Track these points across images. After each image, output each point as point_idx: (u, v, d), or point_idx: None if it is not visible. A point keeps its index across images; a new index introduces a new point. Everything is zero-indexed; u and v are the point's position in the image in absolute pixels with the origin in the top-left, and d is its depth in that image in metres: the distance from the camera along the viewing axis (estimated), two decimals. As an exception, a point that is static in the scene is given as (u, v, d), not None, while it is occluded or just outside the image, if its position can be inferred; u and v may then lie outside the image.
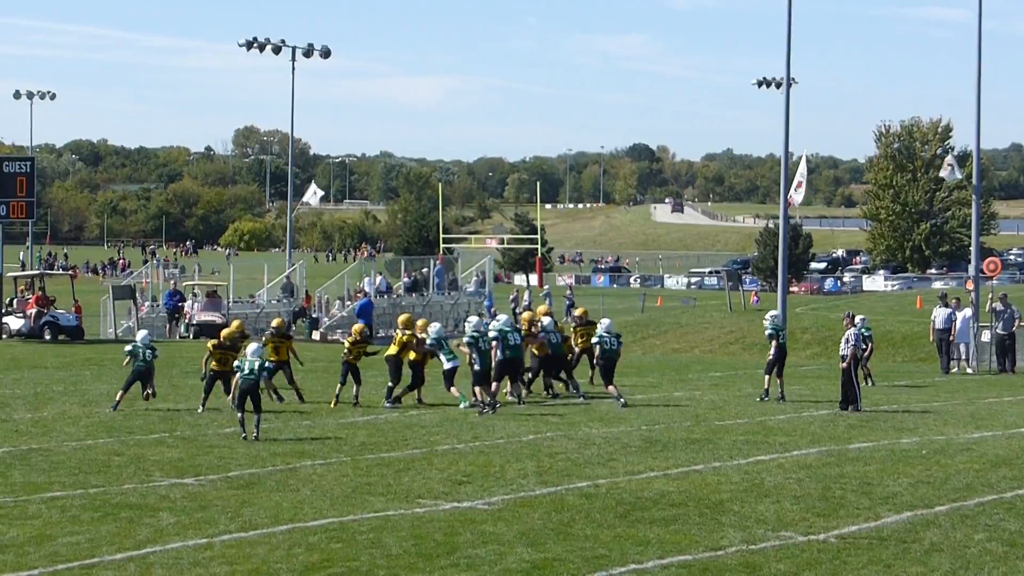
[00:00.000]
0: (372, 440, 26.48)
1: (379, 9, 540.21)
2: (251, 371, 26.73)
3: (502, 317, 33.56)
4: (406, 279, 71.04)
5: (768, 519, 18.83)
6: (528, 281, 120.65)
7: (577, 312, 37.66)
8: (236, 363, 27.86)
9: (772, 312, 32.21)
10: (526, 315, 35.74)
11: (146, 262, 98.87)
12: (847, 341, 32.12)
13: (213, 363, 30.84)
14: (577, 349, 35.66)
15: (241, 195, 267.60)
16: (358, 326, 34.05)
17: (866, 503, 19.96)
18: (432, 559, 16.17)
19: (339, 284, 71.07)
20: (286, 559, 16.19)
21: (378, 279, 70.26)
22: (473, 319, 33.46)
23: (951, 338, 45.59)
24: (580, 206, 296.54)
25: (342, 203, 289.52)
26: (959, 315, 45.74)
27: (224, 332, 31.92)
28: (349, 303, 65.72)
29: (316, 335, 61.56)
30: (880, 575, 15.84)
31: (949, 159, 62.05)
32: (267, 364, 29.59)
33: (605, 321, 34.52)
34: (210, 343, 31.47)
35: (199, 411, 30.69)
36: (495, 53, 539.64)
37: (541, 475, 22.19)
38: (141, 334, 32.88)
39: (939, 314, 45.93)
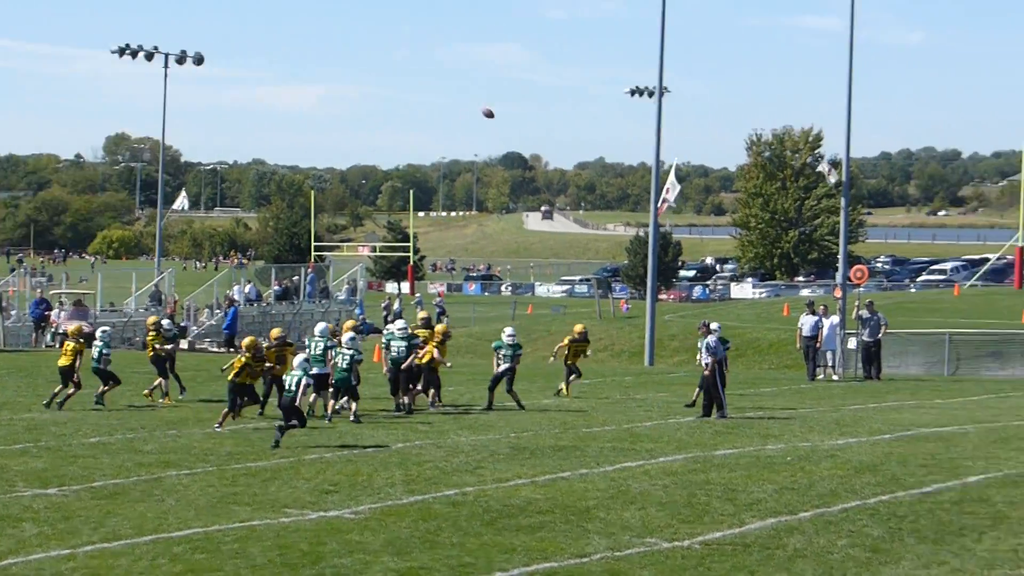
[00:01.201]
0: (239, 450, 26.29)
1: (253, 16, 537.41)
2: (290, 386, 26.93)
3: (398, 323, 33.80)
4: (276, 287, 70.68)
5: (633, 526, 18.93)
6: (400, 289, 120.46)
7: (578, 328, 38.64)
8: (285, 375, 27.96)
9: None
10: (348, 323, 35.17)
11: (13, 270, 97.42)
12: (707, 349, 32.48)
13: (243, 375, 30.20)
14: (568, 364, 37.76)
15: (111, 203, 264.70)
16: (248, 340, 32.08)
17: (731, 509, 20.12)
18: (297, 569, 16.08)
19: (208, 292, 70.51)
20: (150, 570, 16.03)
21: (248, 287, 69.84)
22: (321, 325, 33.28)
23: (818, 345, 46.14)
24: (453, 214, 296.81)
25: (213, 211, 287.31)
26: (826, 322, 46.30)
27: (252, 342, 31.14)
28: (218, 311, 65.22)
29: (184, 344, 60.96)
30: (745, 581, 15.98)
31: (826, 166, 62.81)
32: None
33: (508, 329, 35.39)
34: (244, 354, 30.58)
35: (216, 428, 29.73)
36: (370, 61, 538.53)
37: (409, 484, 22.15)
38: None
39: (806, 321, 46.48)
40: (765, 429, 30.15)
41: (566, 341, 38.01)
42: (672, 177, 60.20)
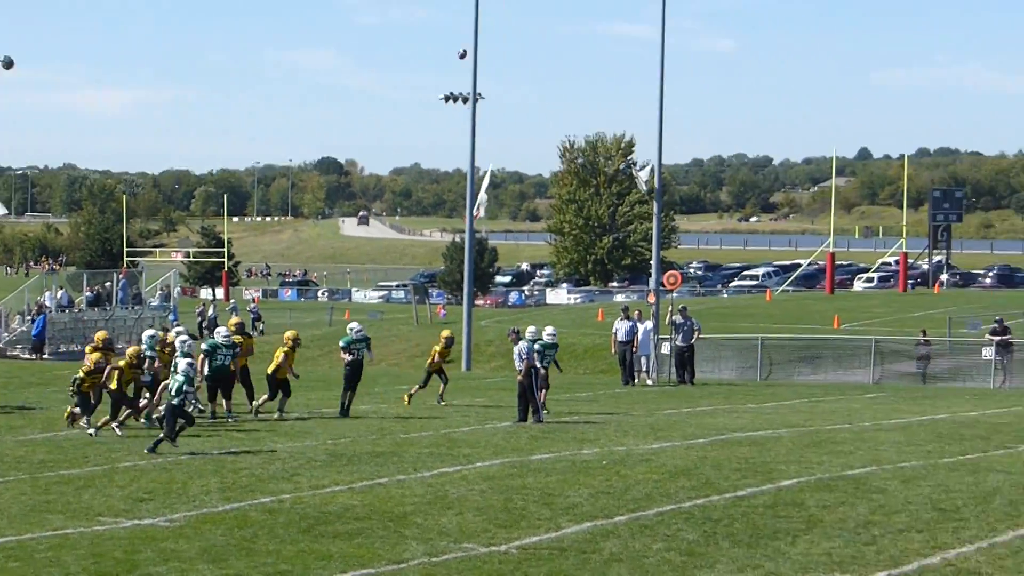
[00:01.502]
0: (51, 457, 25.81)
1: (65, 19, 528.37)
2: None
3: (221, 330, 33.39)
4: (88, 293, 69.59)
5: (451, 531, 18.93)
6: (215, 295, 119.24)
7: (444, 334, 38.89)
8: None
9: None
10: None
11: None
12: (520, 355, 32.70)
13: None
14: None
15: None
16: (133, 349, 31.18)
17: (547, 514, 20.21)
18: (111, 578, 15.86)
19: (19, 299, 69.18)
20: (-43, 582, 15.69)
21: (59, 293, 68.65)
22: (148, 332, 32.87)
23: (633, 350, 46.54)
24: (268, 219, 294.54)
25: (23, 216, 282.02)
26: (640, 327, 46.72)
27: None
28: (29, 318, 64.03)
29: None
30: (560, 585, 16.05)
31: (642, 171, 63.42)
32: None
33: (354, 324, 35.52)
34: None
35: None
36: (183, 65, 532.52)
37: (224, 491, 21.92)
38: None
39: (621, 327, 46.85)
40: (581, 434, 30.33)
41: (438, 348, 37.60)
42: (484, 185, 60.37)
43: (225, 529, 18.73)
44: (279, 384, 33.31)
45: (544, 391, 33.14)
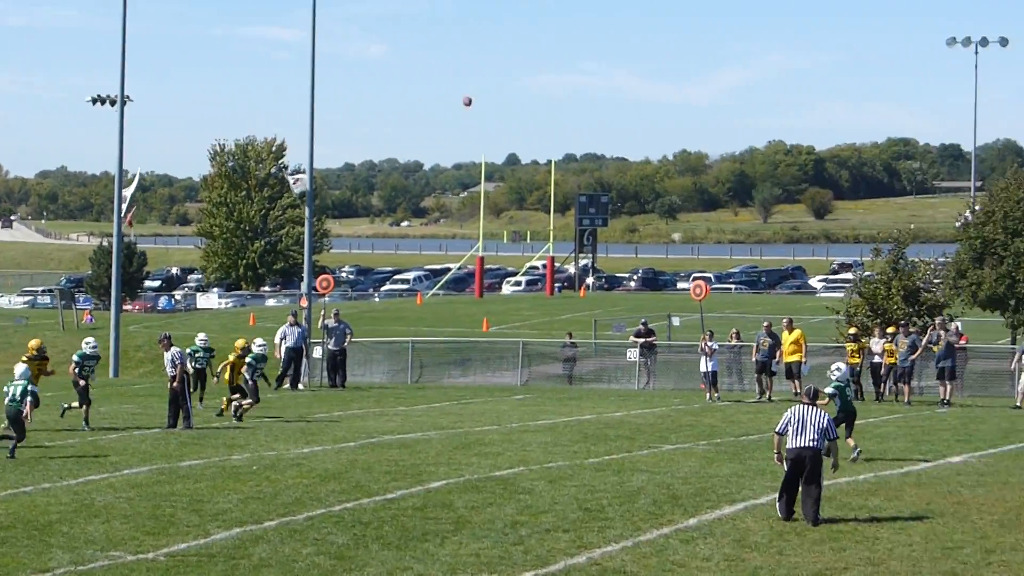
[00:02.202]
0: None
1: None
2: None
3: None
4: None
5: (98, 539, 18.59)
6: None
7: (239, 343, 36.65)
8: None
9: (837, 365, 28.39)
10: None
11: None
12: (172, 361, 32.39)
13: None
14: None
15: None
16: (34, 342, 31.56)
17: (196, 520, 20.01)
18: None
19: None
20: None
21: None
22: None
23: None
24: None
25: None
26: (296, 331, 46.48)
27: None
28: None
29: None
30: (209, 591, 15.91)
31: (295, 177, 63.19)
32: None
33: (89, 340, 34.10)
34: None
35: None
36: None
37: None
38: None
39: (289, 332, 46.50)
40: (231, 439, 30.09)
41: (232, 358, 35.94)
42: (132, 188, 59.34)
43: None
44: None
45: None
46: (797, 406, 20.80)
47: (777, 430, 20.70)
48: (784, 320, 42.57)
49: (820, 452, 20.37)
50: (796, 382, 40.83)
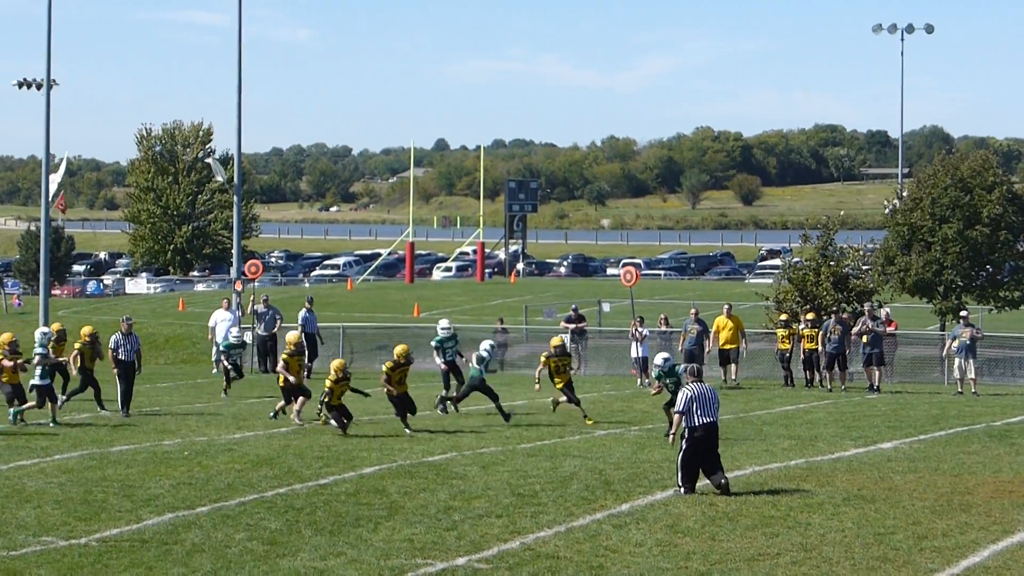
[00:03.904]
0: None
1: None
2: None
3: None
4: None
5: (29, 524, 18.48)
6: None
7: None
8: None
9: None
10: None
11: None
12: (115, 344, 32.34)
13: None
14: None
15: None
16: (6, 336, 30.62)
17: (128, 506, 19.90)
18: None
19: None
20: None
21: None
22: None
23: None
24: None
25: None
26: (227, 316, 46.32)
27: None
28: None
29: None
30: (142, 577, 15.84)
31: (212, 161, 63.04)
32: None
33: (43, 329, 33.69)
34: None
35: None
36: None
37: None
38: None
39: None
40: (162, 425, 29.94)
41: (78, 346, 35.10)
42: (57, 175, 58.87)
43: None
44: None
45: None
46: (695, 385, 21.52)
47: (679, 409, 21.39)
48: (724, 306, 42.50)
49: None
50: (732, 367, 40.91)
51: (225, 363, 37.53)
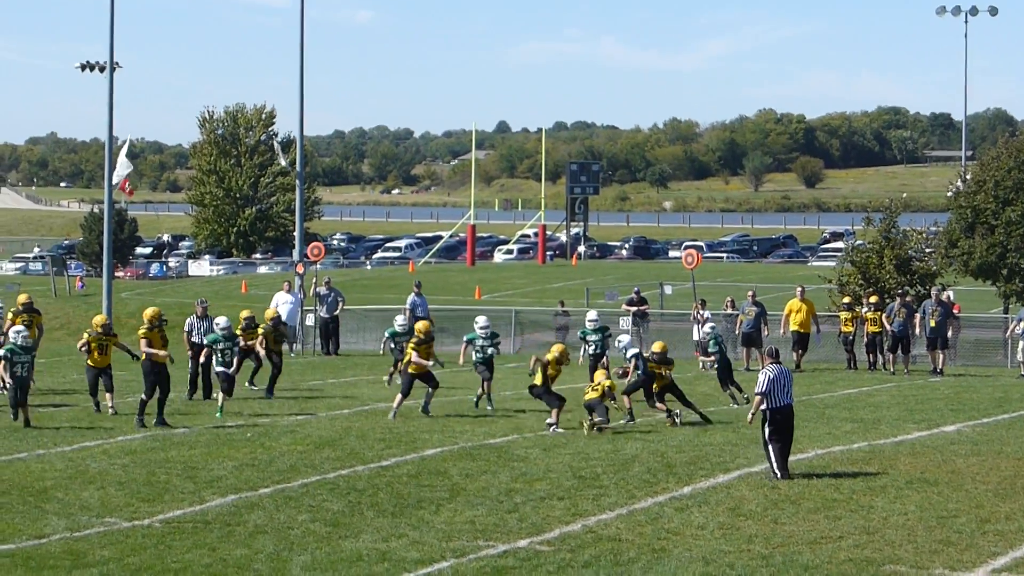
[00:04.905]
0: None
1: None
2: None
3: None
4: None
5: (92, 506, 18.61)
6: None
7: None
8: None
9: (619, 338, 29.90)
10: None
11: None
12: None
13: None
14: None
15: None
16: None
17: (191, 487, 20.02)
18: None
19: None
20: None
21: None
22: None
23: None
24: None
25: None
26: (289, 298, 46.49)
27: None
28: None
29: None
30: (205, 559, 15.91)
31: (275, 145, 63.35)
32: None
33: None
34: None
35: None
36: None
37: None
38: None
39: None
40: (225, 406, 30.02)
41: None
42: (122, 155, 59.12)
43: None
44: None
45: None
46: (773, 366, 21.37)
47: (761, 391, 21.23)
48: (797, 288, 42.08)
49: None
50: (798, 354, 40.57)
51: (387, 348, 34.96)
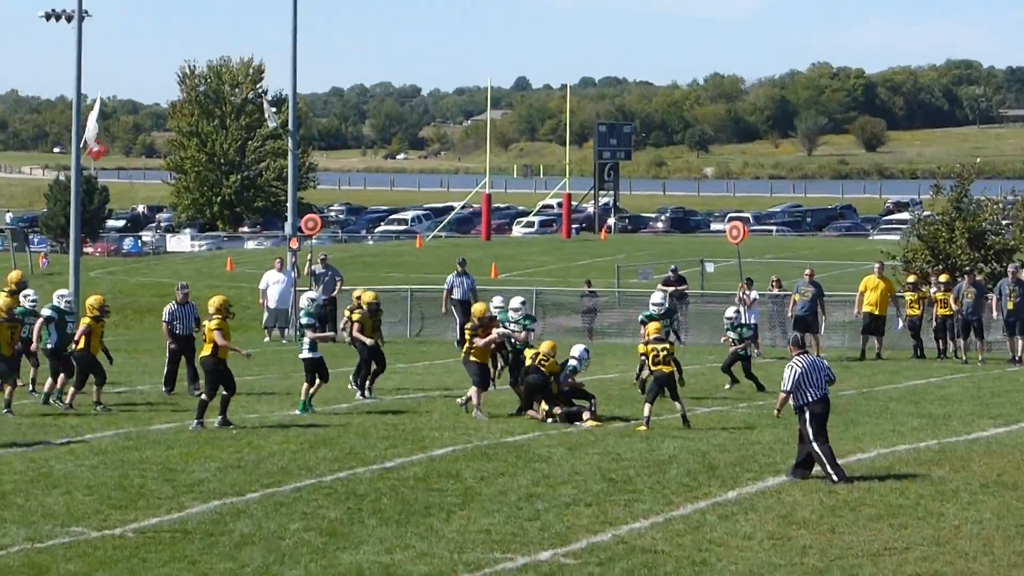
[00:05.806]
0: None
1: None
2: None
3: None
4: None
5: (57, 512, 18.65)
6: None
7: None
8: None
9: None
10: None
11: None
12: None
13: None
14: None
15: None
16: None
17: (169, 492, 20.03)
18: None
19: None
20: None
21: None
22: None
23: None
24: None
25: None
26: (281, 278, 46.51)
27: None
28: None
29: None
30: (184, 573, 15.92)
31: (264, 104, 63.28)
32: None
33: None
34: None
35: None
36: None
37: None
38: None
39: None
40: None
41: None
42: (92, 116, 59.13)
43: None
44: None
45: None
46: (801, 358, 21.54)
47: (786, 388, 21.33)
48: (875, 265, 41.83)
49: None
50: (877, 340, 40.48)
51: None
